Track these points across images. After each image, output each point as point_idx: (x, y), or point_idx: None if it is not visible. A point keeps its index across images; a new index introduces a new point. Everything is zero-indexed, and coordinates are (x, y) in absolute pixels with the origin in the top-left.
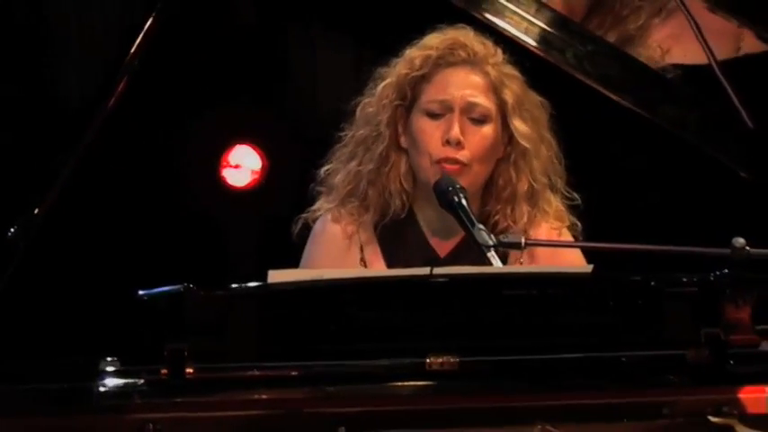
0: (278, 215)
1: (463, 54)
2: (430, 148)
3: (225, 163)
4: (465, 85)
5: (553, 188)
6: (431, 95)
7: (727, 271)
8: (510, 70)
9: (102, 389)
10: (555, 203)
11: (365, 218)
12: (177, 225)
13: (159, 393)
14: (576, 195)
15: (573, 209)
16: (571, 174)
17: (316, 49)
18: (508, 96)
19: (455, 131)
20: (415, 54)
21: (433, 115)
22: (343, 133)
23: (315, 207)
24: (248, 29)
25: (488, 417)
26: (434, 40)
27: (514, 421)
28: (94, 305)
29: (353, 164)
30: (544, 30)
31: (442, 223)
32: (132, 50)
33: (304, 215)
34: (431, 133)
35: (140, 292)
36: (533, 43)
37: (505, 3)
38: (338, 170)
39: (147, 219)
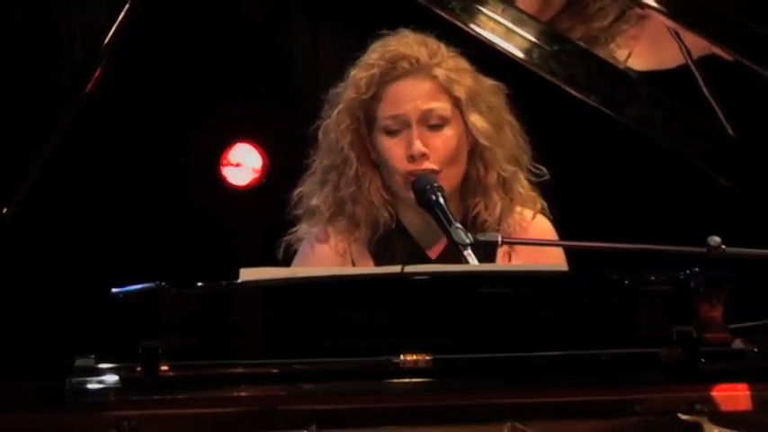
0: (279, 214)
1: (406, 65)
2: (396, 165)
3: (225, 161)
4: (416, 96)
5: (522, 167)
6: (385, 113)
7: (697, 269)
8: (457, 64)
9: (76, 386)
10: (525, 185)
11: (356, 234)
12: (177, 223)
13: (134, 391)
14: (543, 170)
15: (542, 188)
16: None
17: (318, 46)
18: (460, 93)
19: (417, 146)
20: (359, 76)
21: (391, 132)
22: (310, 159)
23: (296, 229)
24: (251, 27)
25: (461, 414)
26: (374, 56)
27: (487, 419)
28: (76, 304)
29: (329, 188)
30: (510, 29)
31: (427, 225)
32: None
33: (286, 238)
34: (395, 151)
35: (113, 290)
36: (500, 43)
37: (472, 3)
38: (313, 193)
39: (146, 217)
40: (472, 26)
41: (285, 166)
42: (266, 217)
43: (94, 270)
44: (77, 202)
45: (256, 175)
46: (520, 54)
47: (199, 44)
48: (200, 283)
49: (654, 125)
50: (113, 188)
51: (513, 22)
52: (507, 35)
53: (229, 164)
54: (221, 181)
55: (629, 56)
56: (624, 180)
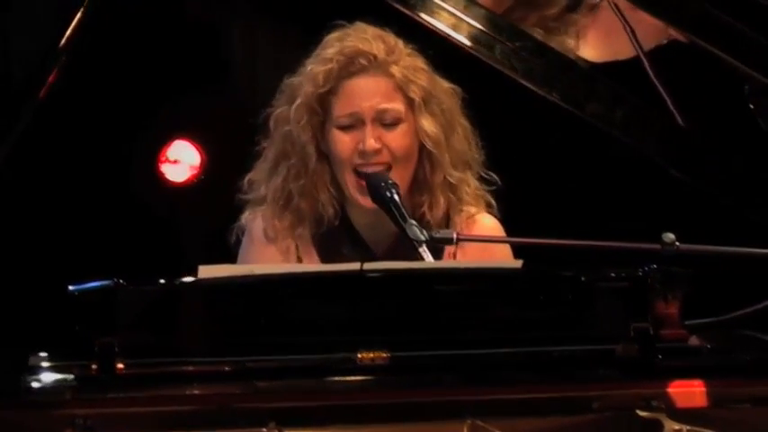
0: (217, 211)
1: (363, 62)
2: (347, 158)
3: (163, 158)
4: (372, 94)
5: (472, 170)
6: (340, 110)
7: (654, 266)
8: (414, 62)
9: (31, 384)
10: (473, 184)
11: (299, 230)
12: (116, 220)
13: (89, 388)
14: (494, 177)
15: (492, 191)
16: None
17: (257, 42)
18: (415, 94)
19: (369, 144)
20: (317, 70)
21: (345, 128)
22: (260, 146)
23: (246, 215)
24: (190, 23)
25: (418, 412)
26: (332, 51)
27: (445, 416)
28: (25, 300)
29: (279, 179)
30: (472, 26)
31: (375, 222)
32: (66, 39)
33: (237, 224)
34: (347, 145)
35: (70, 288)
36: (462, 40)
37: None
38: (262, 181)
39: (86, 213)
40: (426, 18)
41: (223, 163)
42: (205, 213)
43: (41, 267)
44: (21, 198)
45: (194, 172)
46: (483, 51)
47: (137, 41)
48: (160, 281)
49: (615, 122)
50: (49, 185)
51: (476, 19)
52: (470, 32)
53: (167, 161)
54: (160, 178)
55: (577, 45)
56: (581, 177)
